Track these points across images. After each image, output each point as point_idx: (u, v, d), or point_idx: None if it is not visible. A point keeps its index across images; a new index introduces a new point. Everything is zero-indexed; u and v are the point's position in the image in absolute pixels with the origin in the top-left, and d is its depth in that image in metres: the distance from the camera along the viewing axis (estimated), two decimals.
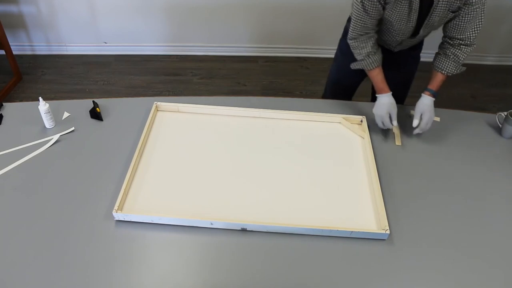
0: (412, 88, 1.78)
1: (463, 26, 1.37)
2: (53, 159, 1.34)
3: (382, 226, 1.17)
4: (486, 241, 1.18)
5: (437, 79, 1.48)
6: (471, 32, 1.39)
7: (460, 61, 1.45)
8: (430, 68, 1.51)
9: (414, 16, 1.36)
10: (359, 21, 1.39)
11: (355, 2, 1.36)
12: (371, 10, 1.34)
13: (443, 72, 1.47)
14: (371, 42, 1.44)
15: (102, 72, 3.02)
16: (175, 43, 3.20)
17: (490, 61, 3.33)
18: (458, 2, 1.30)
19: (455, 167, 1.41)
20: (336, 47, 1.76)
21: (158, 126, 1.49)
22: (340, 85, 1.82)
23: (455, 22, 1.38)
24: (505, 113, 1.53)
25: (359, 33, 1.43)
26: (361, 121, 1.54)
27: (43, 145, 1.38)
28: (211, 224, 1.15)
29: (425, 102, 1.45)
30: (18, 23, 3.01)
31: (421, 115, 1.45)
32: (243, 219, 1.17)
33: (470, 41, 1.41)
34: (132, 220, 1.16)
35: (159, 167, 1.33)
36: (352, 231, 1.14)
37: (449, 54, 1.45)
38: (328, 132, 1.52)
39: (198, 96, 1.64)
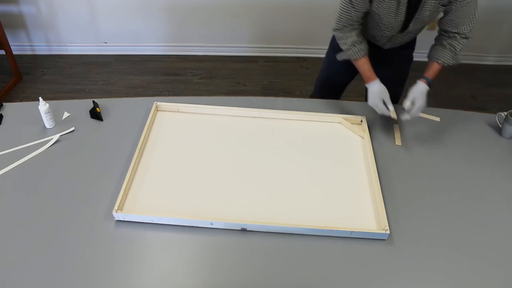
0: (408, 87, 1.77)
1: (457, 21, 1.38)
2: (53, 159, 1.34)
3: (382, 226, 1.17)
4: (486, 241, 1.18)
5: (433, 68, 1.48)
6: (466, 26, 1.39)
7: (457, 52, 1.45)
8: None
9: (403, 10, 1.36)
10: (344, 13, 1.40)
11: None
12: (357, 3, 1.36)
13: (439, 61, 1.46)
14: (356, 32, 1.46)
15: (102, 72, 3.03)
16: (175, 43, 3.20)
17: (490, 61, 3.33)
18: None
19: (455, 167, 1.41)
20: None
21: (158, 126, 1.50)
22: (329, 82, 1.83)
23: (448, 17, 1.39)
24: (505, 113, 1.53)
25: (344, 24, 1.44)
26: (361, 121, 1.54)
27: (43, 145, 1.38)
28: (211, 224, 1.15)
29: (420, 88, 1.44)
30: (18, 23, 3.01)
31: (414, 101, 1.43)
32: (243, 219, 1.17)
33: (465, 34, 1.41)
34: (132, 220, 1.16)
35: (159, 167, 1.33)
36: (352, 231, 1.14)
37: (445, 44, 1.45)
38: (328, 132, 1.52)
39: (198, 96, 1.64)
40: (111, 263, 1.07)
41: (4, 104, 1.55)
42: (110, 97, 1.64)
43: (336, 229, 1.14)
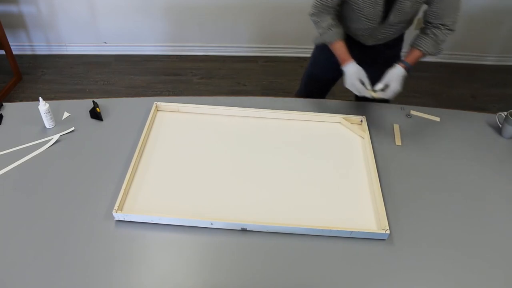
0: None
1: (440, 13, 1.39)
2: (53, 159, 1.34)
3: (382, 226, 1.17)
4: (486, 241, 1.18)
5: (414, 55, 1.47)
6: (449, 18, 1.40)
7: (439, 41, 1.44)
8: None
9: None
10: None
11: None
12: None
13: (420, 48, 1.46)
14: (331, 16, 1.46)
15: (102, 72, 3.03)
16: (175, 43, 3.20)
17: (490, 61, 3.32)
18: None
19: (455, 167, 1.41)
20: None
21: (158, 126, 1.50)
22: (314, 80, 1.82)
23: (431, 9, 1.40)
24: (505, 113, 1.53)
25: (320, 10, 1.45)
26: (361, 121, 1.54)
27: (43, 145, 1.38)
28: (211, 224, 1.15)
29: (396, 71, 1.43)
30: (18, 23, 3.02)
31: (389, 83, 1.42)
32: (243, 219, 1.17)
33: (449, 26, 1.42)
34: (132, 220, 1.16)
35: (159, 167, 1.33)
36: (352, 231, 1.14)
37: (429, 33, 1.45)
38: (328, 132, 1.52)
39: (198, 96, 1.64)
40: (111, 263, 1.07)
41: (4, 104, 1.55)
42: (110, 97, 1.64)
43: (336, 229, 1.14)
